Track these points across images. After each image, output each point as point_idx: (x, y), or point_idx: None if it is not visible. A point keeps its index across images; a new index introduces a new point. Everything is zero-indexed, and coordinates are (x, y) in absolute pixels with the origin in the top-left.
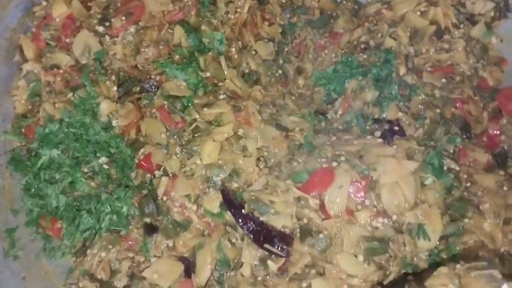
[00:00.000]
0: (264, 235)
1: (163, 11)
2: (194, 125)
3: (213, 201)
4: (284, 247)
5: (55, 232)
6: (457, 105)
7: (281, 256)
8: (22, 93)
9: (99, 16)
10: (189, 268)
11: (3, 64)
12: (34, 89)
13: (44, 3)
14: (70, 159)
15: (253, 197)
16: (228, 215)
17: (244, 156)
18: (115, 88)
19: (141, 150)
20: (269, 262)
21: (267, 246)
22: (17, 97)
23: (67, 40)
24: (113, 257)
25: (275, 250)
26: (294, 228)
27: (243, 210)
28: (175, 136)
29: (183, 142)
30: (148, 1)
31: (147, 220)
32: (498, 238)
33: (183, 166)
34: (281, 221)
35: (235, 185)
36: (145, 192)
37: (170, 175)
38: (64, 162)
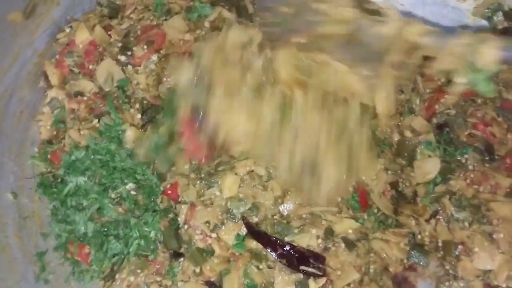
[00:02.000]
0: (297, 258)
1: (180, 40)
2: (219, 160)
3: (230, 233)
4: (320, 266)
5: (83, 257)
6: (480, 127)
7: (320, 276)
8: (47, 119)
9: (119, 44)
10: None
11: (31, 89)
12: (58, 116)
13: (68, 30)
14: (97, 185)
15: (275, 221)
16: (252, 244)
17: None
18: (139, 115)
19: (168, 179)
20: (310, 282)
21: (303, 267)
22: (42, 123)
23: (90, 67)
24: (141, 281)
25: (312, 270)
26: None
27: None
28: (195, 171)
29: (202, 175)
30: (168, 30)
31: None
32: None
33: (201, 195)
34: (306, 240)
35: (255, 219)
36: (171, 216)
37: (189, 204)
38: (91, 189)
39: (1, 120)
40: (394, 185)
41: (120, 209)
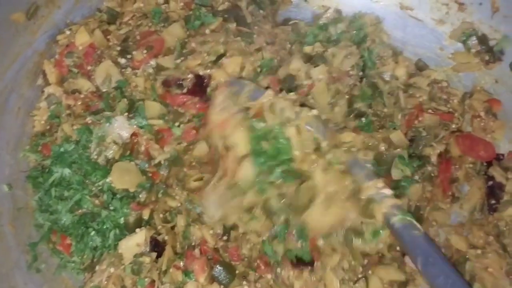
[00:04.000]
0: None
1: None
2: None
3: None
4: None
5: (65, 248)
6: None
7: None
8: (43, 114)
9: (118, 48)
10: None
11: (29, 87)
12: (54, 111)
13: (68, 32)
14: (79, 176)
15: None
16: None
17: None
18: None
19: None
20: None
21: None
22: (37, 117)
23: (89, 68)
24: (122, 272)
25: None
26: None
27: None
28: None
29: None
30: (166, 36)
31: None
32: None
33: None
34: None
35: None
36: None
37: None
38: (74, 180)
39: (1, 114)
40: None
41: (97, 201)
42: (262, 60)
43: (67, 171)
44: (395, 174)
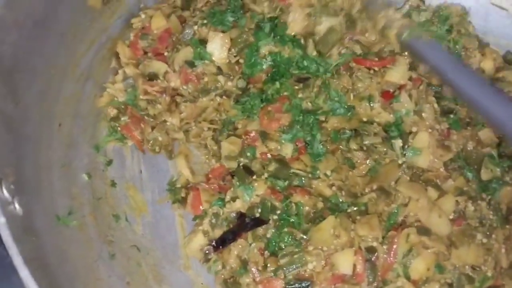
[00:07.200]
0: None
1: None
2: None
3: None
4: None
5: None
6: None
7: None
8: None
9: None
10: None
11: (104, 74)
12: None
13: (143, 16)
14: None
15: None
16: None
17: None
18: None
19: None
20: None
21: None
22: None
23: (166, 53)
24: None
25: None
26: None
27: None
28: None
29: None
30: None
31: None
32: None
33: None
34: None
35: None
36: None
37: None
38: None
39: (78, 102)
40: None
41: None
42: None
43: None
44: (485, 174)
